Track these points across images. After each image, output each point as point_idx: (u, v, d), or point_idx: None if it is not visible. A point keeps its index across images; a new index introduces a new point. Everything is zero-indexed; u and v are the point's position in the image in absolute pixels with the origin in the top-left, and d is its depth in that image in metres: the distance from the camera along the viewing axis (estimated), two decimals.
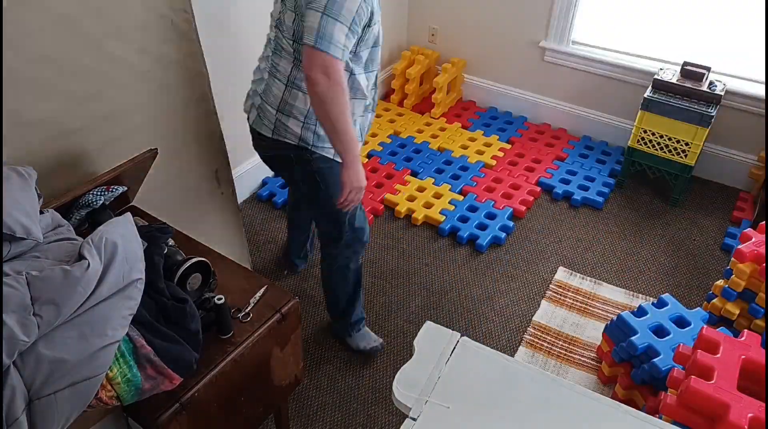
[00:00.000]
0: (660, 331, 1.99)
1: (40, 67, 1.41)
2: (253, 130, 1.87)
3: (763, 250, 2.05)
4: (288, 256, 2.58)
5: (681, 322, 2.02)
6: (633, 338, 1.94)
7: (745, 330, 1.72)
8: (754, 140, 2.96)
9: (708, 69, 2.78)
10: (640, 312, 2.05)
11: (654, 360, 1.87)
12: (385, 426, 2.03)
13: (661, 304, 2.09)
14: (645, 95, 2.82)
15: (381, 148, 3.27)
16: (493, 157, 3.22)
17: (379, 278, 2.57)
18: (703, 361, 1.61)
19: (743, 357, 1.63)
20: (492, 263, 2.66)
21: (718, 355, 1.63)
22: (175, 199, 1.91)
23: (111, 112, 1.62)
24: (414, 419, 1.03)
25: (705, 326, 1.77)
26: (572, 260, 2.68)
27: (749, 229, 2.20)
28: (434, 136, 3.37)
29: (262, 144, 1.86)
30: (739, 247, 2.09)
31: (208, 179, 2.01)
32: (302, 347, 1.61)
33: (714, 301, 2.15)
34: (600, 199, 2.97)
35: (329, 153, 1.79)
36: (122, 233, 1.23)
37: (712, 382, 1.54)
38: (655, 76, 2.81)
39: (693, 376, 1.56)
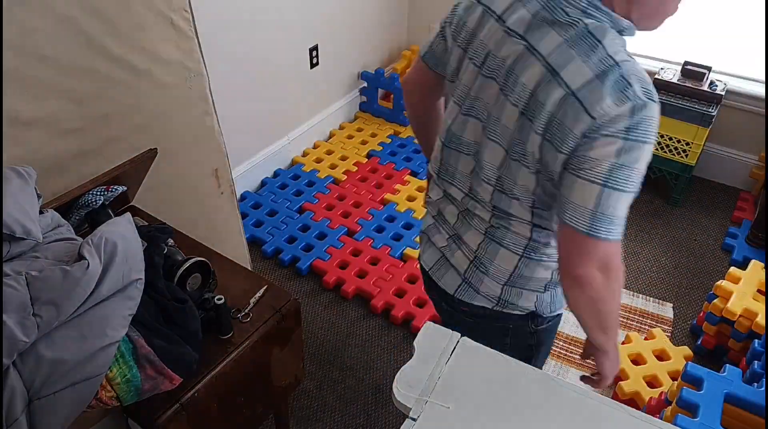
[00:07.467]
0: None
1: (39, 67, 1.41)
2: (444, 292, 1.32)
3: None
4: None
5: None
6: None
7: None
8: (755, 140, 2.96)
9: (708, 69, 2.78)
10: None
11: None
12: (385, 426, 2.03)
13: None
14: None
15: (381, 148, 3.27)
16: None
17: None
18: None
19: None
20: None
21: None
22: (175, 199, 1.91)
23: (110, 112, 1.61)
24: (414, 419, 1.03)
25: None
26: None
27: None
28: None
29: (462, 309, 1.32)
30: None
31: (208, 179, 2.01)
32: (302, 347, 1.61)
33: (715, 301, 2.15)
34: None
35: (560, 310, 1.34)
36: (122, 233, 1.22)
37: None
38: (656, 76, 2.81)
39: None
